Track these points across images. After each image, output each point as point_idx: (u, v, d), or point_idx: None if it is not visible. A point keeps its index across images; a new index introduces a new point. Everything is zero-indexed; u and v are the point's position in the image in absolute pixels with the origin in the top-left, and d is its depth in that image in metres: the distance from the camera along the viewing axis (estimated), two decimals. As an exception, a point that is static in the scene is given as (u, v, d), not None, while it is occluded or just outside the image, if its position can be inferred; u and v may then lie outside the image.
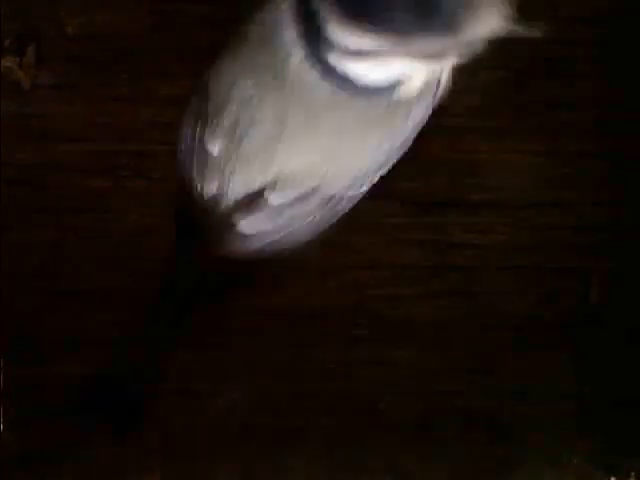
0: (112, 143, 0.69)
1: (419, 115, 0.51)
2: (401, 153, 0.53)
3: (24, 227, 0.68)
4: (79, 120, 0.69)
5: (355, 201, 0.56)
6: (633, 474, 0.68)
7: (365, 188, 0.55)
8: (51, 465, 0.67)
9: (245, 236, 0.55)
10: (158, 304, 0.63)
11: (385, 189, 0.59)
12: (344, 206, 0.55)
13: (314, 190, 0.52)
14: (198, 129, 0.54)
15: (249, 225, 0.54)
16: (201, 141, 0.53)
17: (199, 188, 0.55)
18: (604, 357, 0.70)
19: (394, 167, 0.57)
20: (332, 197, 0.53)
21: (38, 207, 0.69)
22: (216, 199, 0.55)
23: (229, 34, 0.51)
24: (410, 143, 0.53)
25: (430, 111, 0.52)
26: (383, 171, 0.54)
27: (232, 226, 0.55)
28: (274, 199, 0.52)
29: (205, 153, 0.53)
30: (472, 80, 0.68)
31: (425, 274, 0.70)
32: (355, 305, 0.70)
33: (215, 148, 0.52)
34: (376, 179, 0.55)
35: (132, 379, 0.65)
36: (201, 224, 0.56)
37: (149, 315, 0.64)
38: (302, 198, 0.52)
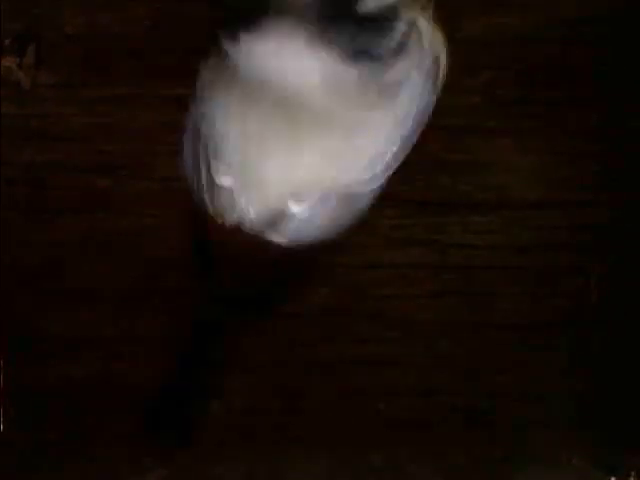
0: (112, 143, 0.69)
1: (414, 94, 0.52)
2: (406, 142, 0.54)
3: (24, 227, 0.68)
4: (79, 120, 0.69)
5: (376, 192, 0.56)
6: (633, 474, 0.68)
7: (381, 182, 0.55)
8: (51, 465, 0.67)
9: (279, 244, 0.56)
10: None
11: (385, 189, 0.59)
12: (366, 201, 0.56)
13: (330, 191, 0.53)
14: (203, 163, 0.55)
15: (280, 236, 0.56)
16: (210, 176, 0.54)
17: (219, 221, 0.56)
18: (604, 357, 0.70)
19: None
20: (351, 195, 0.54)
21: (38, 207, 0.69)
22: (239, 225, 0.56)
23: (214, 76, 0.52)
24: (414, 139, 0.53)
25: (432, 98, 0.52)
26: (393, 161, 0.55)
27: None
28: (295, 209, 0.54)
29: (216, 187, 0.54)
30: (472, 80, 0.68)
31: (425, 274, 0.70)
32: (355, 305, 0.69)
33: (226, 182, 0.53)
34: (390, 171, 0.55)
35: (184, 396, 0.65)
36: (222, 253, 0.57)
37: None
38: (322, 202, 0.53)
